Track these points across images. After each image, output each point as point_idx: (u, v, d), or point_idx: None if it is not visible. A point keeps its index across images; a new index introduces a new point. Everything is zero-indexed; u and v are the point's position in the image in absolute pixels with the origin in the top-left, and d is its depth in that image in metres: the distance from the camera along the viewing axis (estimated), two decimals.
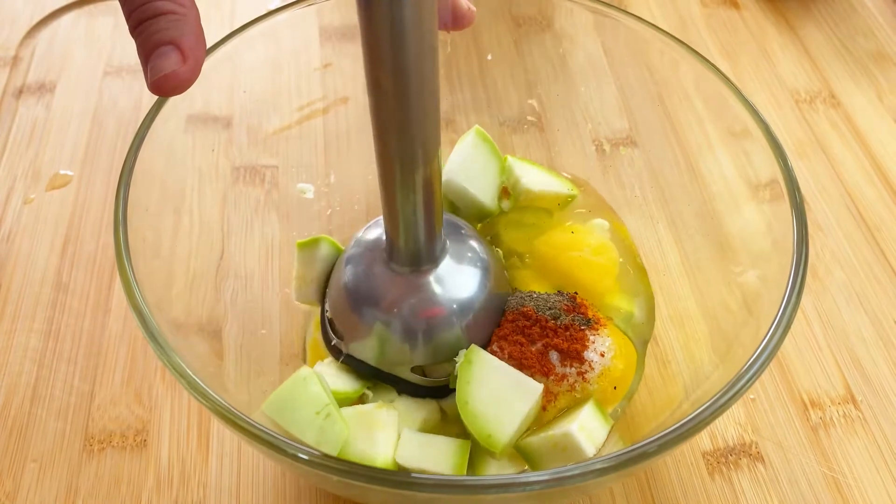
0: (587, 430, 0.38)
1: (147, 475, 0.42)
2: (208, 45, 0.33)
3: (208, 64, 0.33)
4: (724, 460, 0.43)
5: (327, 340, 0.43)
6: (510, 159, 0.48)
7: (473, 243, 0.42)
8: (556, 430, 0.38)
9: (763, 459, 0.43)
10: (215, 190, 0.45)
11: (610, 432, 0.39)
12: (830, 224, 0.54)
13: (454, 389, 0.39)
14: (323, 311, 0.44)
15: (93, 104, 0.60)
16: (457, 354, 0.40)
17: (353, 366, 0.41)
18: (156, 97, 0.35)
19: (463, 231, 0.43)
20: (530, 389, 0.38)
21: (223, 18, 0.67)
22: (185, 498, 0.41)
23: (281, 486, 0.42)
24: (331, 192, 0.51)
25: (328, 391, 0.37)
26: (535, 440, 0.39)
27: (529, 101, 0.53)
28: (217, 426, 0.44)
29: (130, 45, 0.32)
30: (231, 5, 0.68)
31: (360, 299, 0.40)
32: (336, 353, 0.42)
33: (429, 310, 0.39)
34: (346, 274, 0.41)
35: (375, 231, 0.42)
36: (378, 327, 0.40)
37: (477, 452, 0.39)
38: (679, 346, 0.44)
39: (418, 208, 0.36)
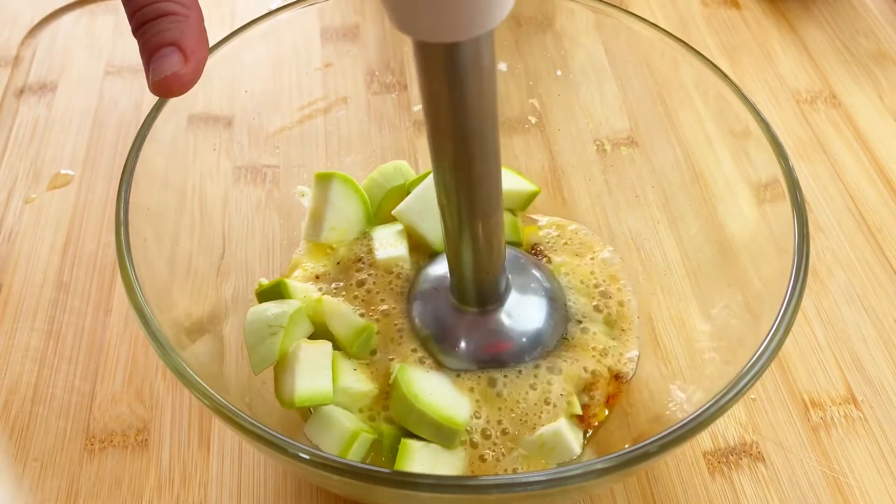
0: (572, 430, 0.40)
1: (148, 475, 0.42)
2: (209, 45, 0.34)
3: (209, 64, 0.33)
4: (724, 460, 0.43)
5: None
6: None
7: (535, 272, 0.45)
8: (545, 430, 0.39)
9: (764, 459, 0.43)
10: (216, 190, 0.45)
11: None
12: (831, 224, 0.54)
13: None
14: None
15: (94, 104, 0.60)
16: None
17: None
18: (157, 97, 0.35)
19: (521, 260, 0.45)
20: (463, 401, 0.40)
21: (224, 18, 0.67)
22: (186, 497, 0.42)
23: (282, 486, 0.42)
24: None
25: (301, 326, 0.41)
26: (524, 440, 0.39)
27: (531, 101, 0.53)
28: (218, 426, 0.44)
29: (132, 45, 0.32)
30: (232, 5, 0.68)
31: (431, 335, 0.42)
32: None
33: (497, 344, 0.42)
34: (415, 309, 0.43)
35: (442, 268, 0.44)
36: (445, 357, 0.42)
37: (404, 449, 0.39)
38: (680, 346, 0.44)
39: (481, 257, 0.38)
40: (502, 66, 0.51)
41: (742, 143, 0.41)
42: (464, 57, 0.28)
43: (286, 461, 0.30)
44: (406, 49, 0.55)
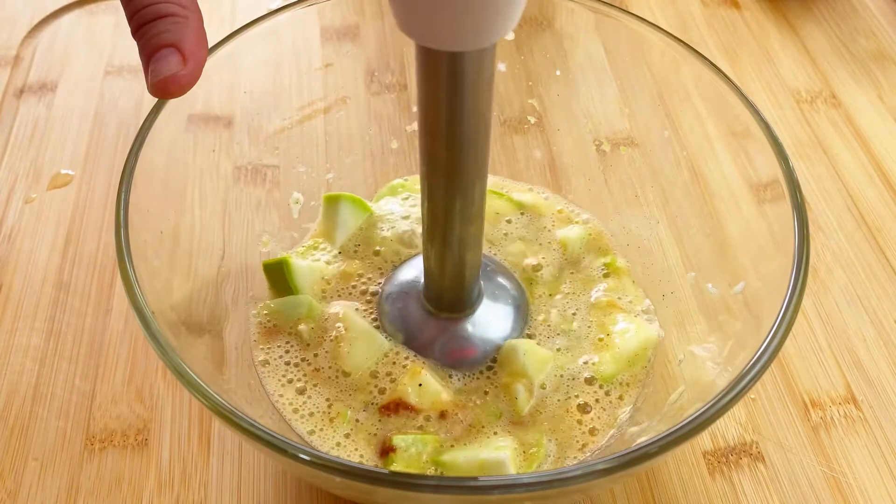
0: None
1: (148, 474, 0.42)
2: (209, 45, 0.34)
3: (209, 64, 0.33)
4: (724, 460, 0.43)
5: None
6: None
7: (503, 282, 0.45)
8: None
9: (764, 459, 0.43)
10: (216, 190, 0.45)
11: None
12: (831, 224, 0.54)
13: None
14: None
15: (94, 104, 0.60)
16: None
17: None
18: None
19: (489, 268, 0.46)
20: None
21: (224, 18, 0.67)
22: (186, 497, 0.42)
23: (281, 486, 0.42)
24: (331, 192, 0.51)
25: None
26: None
27: (530, 101, 0.53)
28: (218, 426, 0.44)
29: (132, 45, 0.32)
30: (231, 5, 0.68)
31: (402, 337, 0.43)
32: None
33: (463, 350, 0.43)
34: (386, 310, 0.44)
35: (411, 272, 0.45)
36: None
37: None
38: (680, 347, 0.44)
39: (459, 263, 0.39)
40: (502, 67, 0.51)
41: (742, 143, 0.41)
42: (466, 66, 0.29)
43: (286, 461, 0.30)
44: (406, 49, 0.55)
